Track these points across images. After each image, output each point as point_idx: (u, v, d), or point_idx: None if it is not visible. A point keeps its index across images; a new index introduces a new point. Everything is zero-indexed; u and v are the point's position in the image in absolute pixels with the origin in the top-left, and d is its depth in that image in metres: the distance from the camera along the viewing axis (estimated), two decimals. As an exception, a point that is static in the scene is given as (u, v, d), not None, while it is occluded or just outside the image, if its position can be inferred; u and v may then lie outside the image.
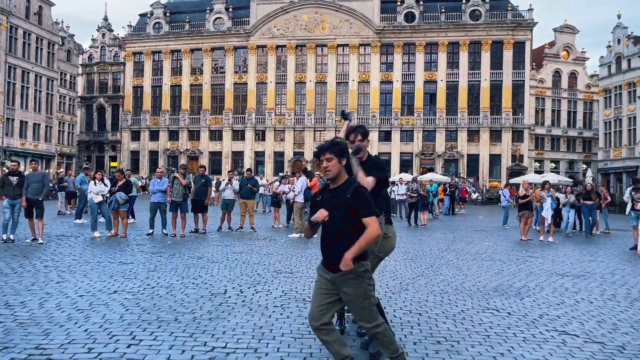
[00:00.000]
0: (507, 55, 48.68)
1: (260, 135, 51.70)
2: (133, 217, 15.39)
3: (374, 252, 4.16)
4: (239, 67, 53.41)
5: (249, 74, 52.44)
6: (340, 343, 3.42)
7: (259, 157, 51.58)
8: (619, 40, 45.86)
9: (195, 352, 4.10)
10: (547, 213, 13.98)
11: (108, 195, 11.78)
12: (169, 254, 9.42)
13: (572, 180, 36.90)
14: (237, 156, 51.89)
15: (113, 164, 53.99)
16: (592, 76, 51.84)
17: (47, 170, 38.34)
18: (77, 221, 14.74)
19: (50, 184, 14.27)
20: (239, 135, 51.84)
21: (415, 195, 16.71)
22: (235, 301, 5.82)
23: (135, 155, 53.90)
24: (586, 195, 14.72)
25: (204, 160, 51.36)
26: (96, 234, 11.62)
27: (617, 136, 45.84)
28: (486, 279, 7.80)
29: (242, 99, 52.91)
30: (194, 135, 53.27)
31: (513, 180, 43.69)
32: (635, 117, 43.37)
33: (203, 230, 13.00)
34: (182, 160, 50.21)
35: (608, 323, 5.33)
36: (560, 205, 15.14)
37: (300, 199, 12.80)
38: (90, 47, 57.56)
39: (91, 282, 6.75)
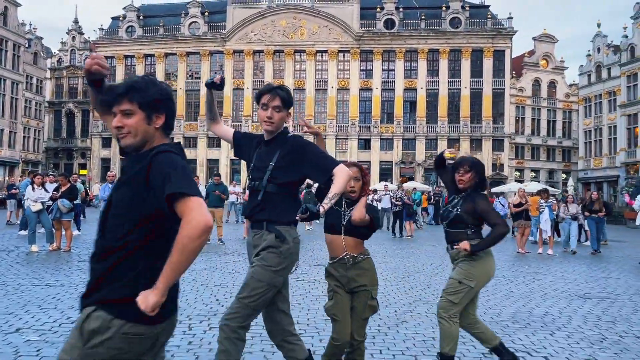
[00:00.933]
0: (487, 63, 48.10)
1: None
2: (78, 228, 13.69)
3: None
4: (215, 72, 51.72)
5: (226, 79, 50.69)
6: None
7: (235, 165, 49.80)
8: (598, 49, 45.64)
9: None
10: (546, 224, 12.76)
11: (49, 202, 10.10)
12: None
13: (552, 189, 36.10)
14: (213, 164, 50.06)
15: (82, 171, 51.65)
16: (571, 85, 51.63)
17: None
18: (22, 232, 13.00)
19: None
20: (214, 143, 50.05)
21: (400, 203, 15.34)
22: (179, 344, 4.31)
23: (106, 163, 51.66)
24: (590, 206, 13.12)
25: (177, 169, 49.42)
26: (34, 247, 9.93)
27: (598, 145, 45.47)
28: (497, 303, 6.42)
29: (218, 105, 50.43)
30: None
31: (494, 190, 43.07)
32: (615, 126, 43.02)
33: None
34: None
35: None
36: (559, 218, 13.74)
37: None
38: (59, 50, 55.32)
39: (-6, 314, 5.16)
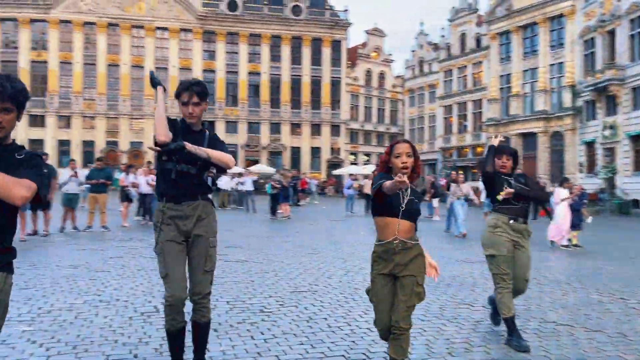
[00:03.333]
0: (326, 52, 50.77)
1: (66, 122, 45.74)
2: None
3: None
4: (37, 42, 46.43)
5: (50, 51, 45.93)
6: None
7: (64, 146, 45.53)
8: (421, 46, 51.13)
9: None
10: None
11: None
12: (27, 264, 7.31)
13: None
14: (36, 144, 44.91)
15: None
16: (397, 77, 56.99)
17: None
18: None
19: None
20: (38, 121, 45.09)
21: (279, 186, 16.08)
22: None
23: None
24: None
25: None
26: None
27: (420, 132, 51.20)
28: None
29: (41, 79, 46.07)
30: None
31: (335, 172, 46.17)
32: (434, 116, 48.86)
33: (45, 232, 10.62)
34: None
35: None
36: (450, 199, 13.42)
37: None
38: None
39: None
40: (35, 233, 10.61)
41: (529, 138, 38.10)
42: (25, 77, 45.33)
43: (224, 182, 20.71)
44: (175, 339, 3.20)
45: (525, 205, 4.37)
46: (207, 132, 3.32)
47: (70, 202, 11.62)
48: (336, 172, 46.10)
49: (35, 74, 46.03)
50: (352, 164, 50.06)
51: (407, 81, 53.43)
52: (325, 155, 50.53)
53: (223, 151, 3.24)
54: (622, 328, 4.70)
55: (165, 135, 3.10)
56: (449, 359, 3.82)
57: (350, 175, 28.26)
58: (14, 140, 2.25)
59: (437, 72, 48.36)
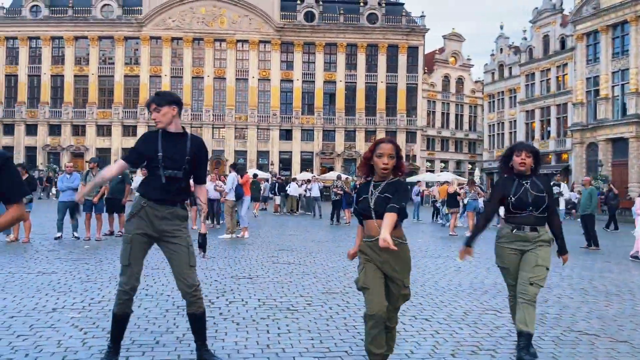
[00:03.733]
0: (402, 59, 50.53)
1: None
2: None
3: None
4: (130, 58, 50.06)
5: (142, 66, 49.35)
6: None
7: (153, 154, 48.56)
8: (501, 50, 49.56)
9: (209, 385, 3.24)
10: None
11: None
12: (95, 260, 8.09)
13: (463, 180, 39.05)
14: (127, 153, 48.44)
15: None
16: (476, 82, 55.54)
17: None
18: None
19: None
20: (130, 131, 48.49)
21: (341, 192, 16.37)
22: (212, 315, 4.93)
23: (9, 151, 48.25)
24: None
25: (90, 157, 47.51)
26: (-10, 239, 9.80)
27: (500, 138, 49.52)
28: (480, 274, 7.54)
29: (133, 92, 49.64)
30: (79, 130, 49.00)
31: (409, 179, 45.68)
32: (515, 121, 47.09)
33: (120, 233, 11.57)
34: (65, 158, 45.85)
35: None
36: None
37: (231, 197, 11.82)
38: (-49, 28, 50.57)
39: (16, 298, 5.43)
40: (111, 233, 11.59)
41: (619, 144, 35.74)
42: (119, 90, 49.04)
43: (293, 189, 21.29)
44: (120, 322, 3.52)
45: (535, 214, 3.88)
46: (189, 134, 3.58)
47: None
48: (411, 179, 45.60)
49: (128, 87, 49.61)
50: (428, 171, 49.40)
51: (487, 86, 51.94)
52: (401, 162, 50.08)
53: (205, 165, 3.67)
54: (654, 341, 4.50)
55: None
56: (449, 359, 3.88)
57: (418, 182, 27.90)
58: None
59: (518, 76, 46.67)
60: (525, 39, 46.17)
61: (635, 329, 4.89)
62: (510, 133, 48.04)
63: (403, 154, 3.35)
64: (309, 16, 49.93)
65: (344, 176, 18.63)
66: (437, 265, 8.65)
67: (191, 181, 3.67)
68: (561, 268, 8.49)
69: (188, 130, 3.70)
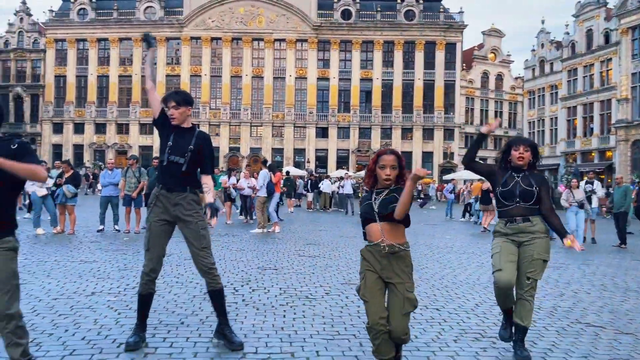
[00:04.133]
0: (440, 55, 50.08)
1: (194, 130, 50.01)
2: (29, 211, 13.80)
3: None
4: (172, 58, 51.46)
5: (182, 66, 50.66)
6: None
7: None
8: (542, 45, 48.46)
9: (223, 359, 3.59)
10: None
11: (54, 188, 10.68)
12: (132, 251, 8.62)
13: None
14: (169, 151, 49.87)
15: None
16: (516, 78, 54.48)
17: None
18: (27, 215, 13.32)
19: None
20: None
21: (372, 189, 16.59)
22: (235, 300, 5.30)
23: (57, 149, 50.44)
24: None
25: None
26: (39, 230, 10.49)
27: (540, 135, 48.45)
28: (485, 273, 7.70)
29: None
30: (123, 129, 50.76)
31: (446, 177, 45.27)
32: (556, 118, 46.00)
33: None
34: (110, 155, 47.56)
35: None
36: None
37: (262, 193, 12.23)
38: (6, 32, 53.17)
39: (60, 283, 5.95)
40: (149, 227, 12.18)
41: (666, 141, 34.53)
42: (161, 90, 50.43)
43: (326, 186, 21.60)
44: (143, 300, 3.91)
45: (527, 204, 3.86)
46: (197, 130, 4.00)
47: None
48: (448, 176, 45.23)
49: (169, 86, 50.82)
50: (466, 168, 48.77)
51: (527, 82, 50.86)
52: (438, 159, 49.78)
53: (210, 158, 4.00)
54: (660, 334, 4.59)
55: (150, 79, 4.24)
56: (451, 345, 4.11)
57: (452, 180, 27.80)
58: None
59: (559, 72, 45.53)
60: (567, 33, 45.01)
61: (645, 323, 4.98)
62: (551, 130, 46.95)
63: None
64: (346, 14, 50.10)
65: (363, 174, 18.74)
66: (461, 260, 8.79)
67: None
68: (586, 265, 8.54)
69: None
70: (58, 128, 51.10)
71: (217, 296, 3.94)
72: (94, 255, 8.15)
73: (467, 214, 20.04)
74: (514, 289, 3.89)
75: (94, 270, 6.76)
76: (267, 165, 12.77)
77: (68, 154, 50.14)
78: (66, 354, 3.60)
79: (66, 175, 10.70)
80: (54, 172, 11.48)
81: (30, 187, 10.43)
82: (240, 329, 4.31)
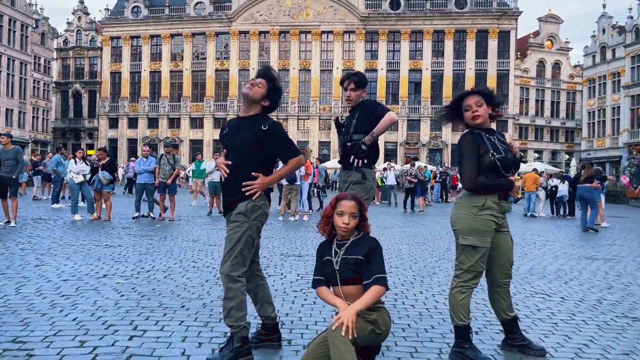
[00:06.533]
0: (492, 44, 48.33)
1: (243, 123, 50.52)
2: (57, 201, 14.05)
3: None
4: (221, 53, 52.10)
5: (231, 60, 51.20)
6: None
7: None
8: (603, 30, 45.86)
9: (215, 345, 3.31)
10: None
11: (90, 175, 10.80)
12: (160, 237, 8.54)
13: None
14: (219, 144, 50.42)
15: (90, 152, 52.23)
16: (575, 66, 51.88)
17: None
18: (55, 205, 13.69)
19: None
20: (220, 123, 50.52)
21: (416, 180, 15.99)
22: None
23: (113, 143, 52.20)
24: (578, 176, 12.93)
25: (185, 149, 50.24)
26: (77, 217, 10.65)
27: (601, 126, 45.96)
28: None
29: (223, 86, 51.67)
30: (174, 123, 51.91)
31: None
32: (619, 107, 43.47)
33: (171, 218, 12.06)
34: (162, 150, 48.70)
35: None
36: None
37: (284, 181, 11.98)
38: (65, 30, 55.47)
39: (75, 265, 5.87)
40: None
41: None
42: (210, 84, 51.29)
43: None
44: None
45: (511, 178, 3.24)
46: (364, 104, 4.25)
47: (216, 189, 13.03)
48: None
49: (219, 81, 51.71)
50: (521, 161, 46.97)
51: (586, 70, 48.30)
52: (490, 152, 48.05)
53: (380, 114, 4.11)
54: None
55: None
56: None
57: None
58: None
59: (622, 58, 42.95)
60: (630, 17, 42.35)
61: None
62: (613, 120, 44.40)
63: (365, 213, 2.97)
64: (394, 4, 49.12)
65: (417, 163, 18.12)
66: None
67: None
68: (641, 257, 7.77)
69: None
70: (113, 123, 52.85)
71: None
72: (121, 239, 8.11)
73: (563, 209, 17.13)
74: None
75: (115, 254, 6.67)
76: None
77: (123, 148, 51.86)
78: (50, 334, 3.41)
79: (102, 161, 10.79)
80: (68, 163, 11.53)
81: (69, 173, 10.58)
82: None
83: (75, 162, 10.88)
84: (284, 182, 11.93)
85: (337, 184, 5.84)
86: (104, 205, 10.98)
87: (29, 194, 19.15)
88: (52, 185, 15.34)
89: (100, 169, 10.58)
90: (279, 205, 15.11)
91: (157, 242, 7.97)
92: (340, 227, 2.86)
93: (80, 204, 11.80)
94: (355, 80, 4.20)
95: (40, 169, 17.67)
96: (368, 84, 4.50)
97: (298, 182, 12.13)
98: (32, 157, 22.91)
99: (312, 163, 14.81)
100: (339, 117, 4.63)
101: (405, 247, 8.25)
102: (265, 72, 3.29)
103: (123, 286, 4.89)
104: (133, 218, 11.23)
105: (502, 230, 3.28)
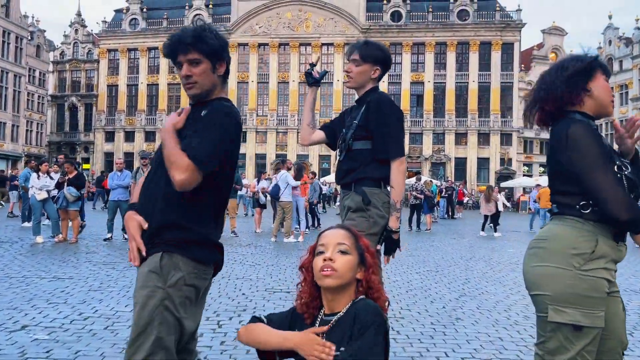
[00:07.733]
0: (495, 56, 47.35)
1: (242, 137, 49.36)
2: (83, 218, 12.97)
3: None
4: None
5: (230, 73, 50.07)
6: None
7: (240, 159, 49.17)
8: (610, 42, 44.92)
9: None
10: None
11: (55, 191, 9.52)
12: (124, 265, 7.24)
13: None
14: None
15: (85, 166, 51.08)
16: (580, 79, 50.80)
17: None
18: (25, 224, 12.41)
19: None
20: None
21: (422, 196, 14.65)
22: (210, 344, 3.73)
23: (109, 157, 50.93)
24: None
25: (182, 163, 49.15)
26: (39, 239, 9.36)
27: (609, 139, 44.73)
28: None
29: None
30: (171, 137, 50.75)
31: (503, 184, 42.37)
32: (627, 120, 42.29)
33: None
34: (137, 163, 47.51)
35: None
36: None
37: (286, 197, 10.70)
38: (62, 43, 54.64)
39: (-4, 309, 4.58)
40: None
41: None
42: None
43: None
44: None
45: None
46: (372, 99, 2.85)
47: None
48: (506, 184, 42.41)
49: (217, 94, 50.62)
50: (525, 175, 45.81)
51: (593, 82, 47.22)
52: (494, 166, 46.87)
53: (384, 137, 2.82)
54: None
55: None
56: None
57: (537, 185, 23.84)
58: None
59: (629, 70, 41.95)
60: (637, 29, 41.42)
61: None
62: (621, 133, 43.21)
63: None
64: (396, 16, 48.27)
65: (424, 178, 16.86)
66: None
67: None
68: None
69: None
70: (110, 136, 51.75)
71: None
72: (76, 269, 6.81)
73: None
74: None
75: (56, 292, 5.36)
76: (284, 164, 11.22)
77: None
78: None
79: (69, 175, 9.51)
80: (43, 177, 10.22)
81: (30, 189, 9.32)
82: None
83: (39, 176, 9.59)
84: (285, 197, 10.61)
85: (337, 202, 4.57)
86: (71, 225, 9.70)
87: (7, 208, 17.91)
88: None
89: (66, 184, 9.29)
90: (273, 224, 13.85)
91: (118, 272, 6.67)
92: (318, 273, 1.59)
93: (46, 221, 10.53)
94: (361, 51, 2.80)
95: (16, 183, 16.39)
96: (390, 63, 3.01)
97: (284, 199, 10.82)
98: (10, 172, 21.64)
99: (309, 177, 13.52)
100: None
101: (416, 278, 6.94)
102: None
103: (38, 345, 3.59)
104: (104, 240, 9.93)
105: (612, 293, 1.95)
